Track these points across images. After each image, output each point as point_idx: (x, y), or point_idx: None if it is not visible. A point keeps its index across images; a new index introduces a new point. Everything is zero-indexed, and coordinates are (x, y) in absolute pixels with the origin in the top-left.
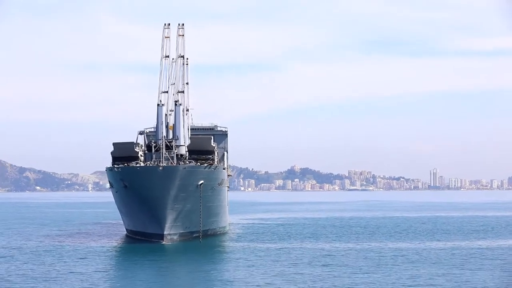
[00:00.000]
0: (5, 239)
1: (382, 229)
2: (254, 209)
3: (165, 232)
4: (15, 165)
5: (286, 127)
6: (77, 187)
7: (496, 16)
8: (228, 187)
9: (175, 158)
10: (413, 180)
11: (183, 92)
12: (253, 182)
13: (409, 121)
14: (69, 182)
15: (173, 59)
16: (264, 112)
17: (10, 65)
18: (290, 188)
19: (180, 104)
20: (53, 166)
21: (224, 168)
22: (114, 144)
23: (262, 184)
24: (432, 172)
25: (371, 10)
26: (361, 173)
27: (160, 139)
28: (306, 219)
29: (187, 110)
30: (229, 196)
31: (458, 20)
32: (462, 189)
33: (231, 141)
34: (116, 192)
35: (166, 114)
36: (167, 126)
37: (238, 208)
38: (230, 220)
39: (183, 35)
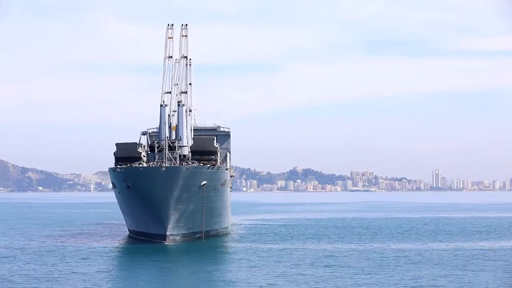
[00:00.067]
0: (8, 239)
1: (384, 230)
2: (257, 210)
3: (167, 233)
4: (17, 165)
5: (287, 128)
6: (79, 188)
7: (496, 16)
8: (231, 187)
9: (178, 159)
10: (415, 181)
11: (186, 92)
12: (255, 182)
13: (409, 121)
14: (71, 182)
15: (176, 59)
16: (265, 112)
17: (11, 65)
18: (292, 189)
19: (183, 105)
20: (55, 167)
21: (226, 169)
22: (117, 144)
23: (264, 185)
24: (434, 173)
25: (371, 11)
26: (363, 174)
27: (163, 140)
28: (308, 220)
29: (190, 110)
30: (231, 197)
31: (458, 21)
32: (464, 190)
33: (233, 142)
34: (119, 192)
35: (169, 115)
36: (170, 127)
37: (240, 209)
38: (233, 220)
39: (186, 36)
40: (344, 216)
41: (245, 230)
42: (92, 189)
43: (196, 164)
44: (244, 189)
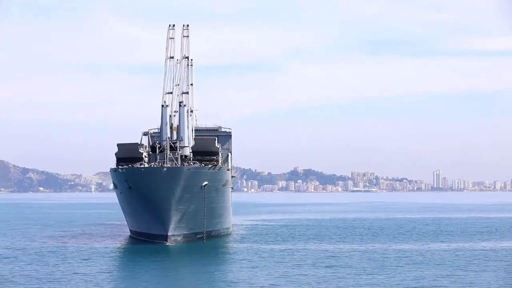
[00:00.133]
0: (9, 240)
1: (385, 230)
2: (258, 210)
3: (169, 233)
4: (18, 166)
5: (287, 128)
6: (80, 188)
7: (496, 16)
8: (232, 188)
9: (179, 159)
10: (416, 181)
11: (187, 93)
12: (256, 183)
13: (410, 121)
14: (72, 183)
15: (177, 60)
16: (265, 113)
17: (11, 65)
18: (293, 189)
19: (185, 105)
20: (56, 167)
21: (228, 169)
22: (118, 145)
23: (265, 185)
24: (435, 174)
25: (371, 11)
26: (364, 174)
27: (165, 140)
28: (310, 220)
29: (191, 111)
30: (232, 197)
31: (458, 21)
32: (465, 190)
33: (234, 142)
34: (120, 193)
35: (170, 115)
36: (171, 127)
37: (241, 209)
38: (234, 221)
39: (187, 36)
40: (345, 217)
41: (247, 231)
42: (93, 189)
43: (197, 164)
44: (245, 189)
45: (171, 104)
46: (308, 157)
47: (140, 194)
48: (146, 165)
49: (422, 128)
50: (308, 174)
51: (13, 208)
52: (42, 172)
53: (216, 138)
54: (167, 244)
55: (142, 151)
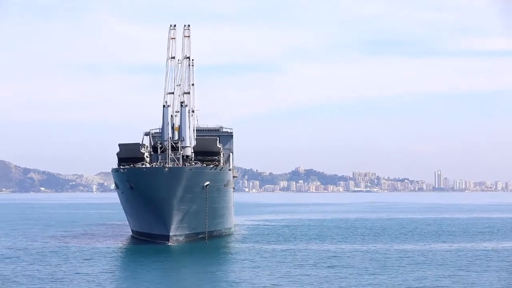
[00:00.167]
0: (11, 240)
1: (387, 230)
2: (259, 210)
3: (171, 233)
4: (19, 166)
5: (288, 128)
6: (82, 188)
7: (496, 16)
8: (234, 188)
9: (181, 159)
10: (417, 181)
11: (188, 93)
12: (258, 183)
13: (410, 122)
14: (74, 183)
15: (178, 60)
16: (266, 113)
17: (11, 65)
18: (295, 189)
19: (186, 105)
20: (57, 167)
21: (229, 169)
22: (120, 145)
23: (267, 185)
24: (436, 174)
25: (371, 11)
26: (365, 175)
27: (166, 140)
28: (311, 221)
29: (193, 111)
30: (234, 198)
31: (458, 21)
32: (466, 190)
33: (235, 142)
34: (122, 193)
35: (171, 115)
36: (172, 127)
37: (243, 209)
38: (236, 221)
39: (189, 36)
40: (347, 217)
41: (248, 231)
42: (95, 189)
43: (199, 164)
44: (247, 189)
45: (173, 104)
46: (310, 157)
47: (141, 194)
48: (148, 165)
49: (423, 128)
50: (309, 174)
51: (14, 208)
52: (44, 172)
53: (218, 138)
54: (169, 244)
55: (143, 151)
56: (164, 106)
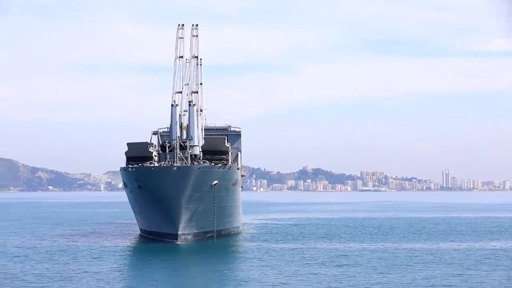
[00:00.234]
0: (19, 238)
1: (396, 229)
2: (267, 210)
3: (179, 232)
4: (27, 165)
5: (296, 127)
6: (90, 187)
7: (496, 16)
8: (242, 187)
9: (189, 158)
10: (425, 181)
11: (197, 92)
12: (265, 182)
13: (418, 121)
14: (82, 182)
15: (186, 59)
16: (270, 112)
17: (11, 65)
18: (302, 188)
19: (194, 105)
20: (65, 166)
21: (238, 168)
22: (128, 144)
23: (274, 184)
24: (444, 173)
25: (371, 11)
26: (373, 174)
27: (174, 139)
28: (319, 220)
29: (201, 110)
30: (242, 196)
31: (458, 21)
32: (474, 190)
33: (243, 141)
34: (130, 192)
35: (180, 115)
36: (181, 127)
37: (251, 208)
38: (244, 220)
39: (197, 36)
40: (355, 216)
41: (256, 230)
42: (102, 188)
43: (207, 163)
44: (254, 188)
45: (181, 104)
46: (317, 157)
47: (150, 193)
48: (156, 164)
49: (432, 128)
50: (317, 174)
51: (22, 207)
52: (51, 171)
53: (226, 137)
54: (177, 243)
55: (152, 150)
56: (172, 105)
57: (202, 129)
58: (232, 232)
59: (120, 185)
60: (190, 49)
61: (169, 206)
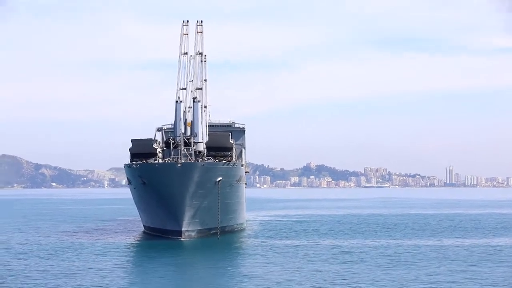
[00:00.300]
0: (23, 235)
1: (399, 226)
2: (271, 206)
3: (183, 229)
4: (31, 162)
5: (299, 124)
6: (93, 184)
7: (497, 14)
8: (246, 183)
9: (193, 155)
10: (429, 177)
11: (201, 89)
12: (269, 179)
13: (423, 118)
14: (85, 178)
15: (191, 56)
16: (276, 109)
17: (18, 65)
18: (306, 185)
19: (199, 101)
20: (69, 163)
21: (242, 165)
22: (132, 140)
23: (278, 181)
24: (448, 170)
25: (373, 9)
26: (376, 170)
27: (179, 136)
28: (323, 216)
29: (205, 107)
30: (246, 193)
31: (460, 19)
32: (478, 186)
33: (247, 138)
34: (134, 188)
35: (184, 111)
36: (185, 123)
37: (254, 205)
38: (247, 216)
39: (201, 32)
40: (359, 212)
41: (260, 226)
42: (106, 185)
43: (211, 160)
44: (258, 185)
45: (185, 100)
46: (321, 153)
47: (154, 190)
48: (160, 160)
49: (435, 124)
50: (320, 170)
51: (26, 204)
52: (55, 167)
53: (230, 133)
54: (181, 239)
55: (156, 147)
56: (176, 101)
57: (206, 126)
58: (236, 229)
59: (124, 181)
60: (195, 46)
61: (173, 203)
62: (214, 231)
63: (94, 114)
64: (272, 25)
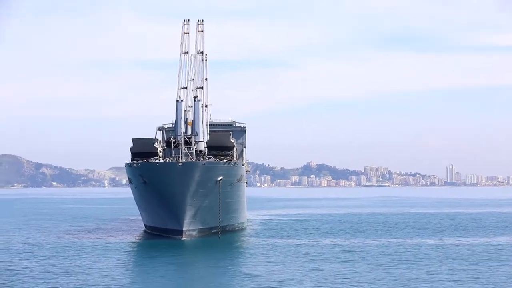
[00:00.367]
0: (24, 235)
1: (400, 225)
2: (272, 205)
3: (184, 228)
4: (31, 161)
5: (300, 123)
6: (94, 183)
7: (500, 12)
8: (246, 183)
9: (194, 154)
10: (429, 176)
11: (202, 88)
12: (269, 178)
13: (422, 117)
14: (86, 178)
15: (192, 55)
16: (277, 108)
17: (22, 63)
18: (306, 184)
19: (199, 100)
20: (69, 162)
21: (243, 164)
22: (133, 140)
23: (278, 180)
24: (448, 168)
25: (375, 7)
26: (377, 169)
27: (179, 135)
28: (324, 215)
29: (206, 106)
30: (246, 192)
31: (462, 16)
32: (478, 185)
33: (247, 137)
34: (135, 188)
35: (185, 110)
36: (186, 122)
37: (255, 204)
38: (248, 216)
39: (202, 31)
40: (359, 212)
41: (261, 226)
42: (106, 184)
43: (212, 159)
44: (258, 184)
45: (186, 99)
46: (321, 152)
47: (155, 189)
48: (161, 160)
49: (435, 123)
50: (321, 169)
51: (27, 203)
52: (56, 167)
53: (231, 133)
54: (182, 239)
55: (157, 146)
56: (177, 100)
57: (207, 125)
58: (237, 228)
59: (125, 181)
60: (196, 45)
61: (174, 202)
62: (215, 230)
63: (95, 113)
64: (273, 25)
